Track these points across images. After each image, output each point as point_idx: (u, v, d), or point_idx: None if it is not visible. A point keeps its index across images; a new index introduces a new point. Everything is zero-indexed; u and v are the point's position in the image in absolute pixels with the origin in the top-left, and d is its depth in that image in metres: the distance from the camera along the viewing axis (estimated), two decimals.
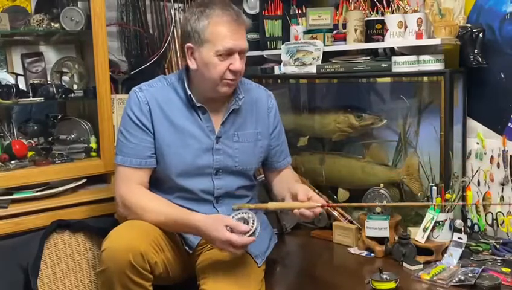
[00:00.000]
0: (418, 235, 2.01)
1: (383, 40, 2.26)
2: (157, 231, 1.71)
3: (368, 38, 2.30)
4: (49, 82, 2.35)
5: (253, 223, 1.63)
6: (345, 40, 2.40)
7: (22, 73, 2.37)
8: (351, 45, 2.36)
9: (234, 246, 1.60)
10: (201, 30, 1.73)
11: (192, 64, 1.78)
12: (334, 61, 2.39)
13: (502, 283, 1.72)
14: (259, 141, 1.93)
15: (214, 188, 1.83)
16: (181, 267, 1.79)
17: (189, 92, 1.80)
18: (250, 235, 1.61)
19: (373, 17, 2.29)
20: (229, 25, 1.72)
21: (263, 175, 2.13)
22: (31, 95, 2.27)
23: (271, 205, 1.74)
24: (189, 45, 1.77)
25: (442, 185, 2.05)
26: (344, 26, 2.42)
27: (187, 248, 1.82)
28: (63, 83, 2.37)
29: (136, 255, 1.56)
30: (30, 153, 2.23)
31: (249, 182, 1.93)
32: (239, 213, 1.67)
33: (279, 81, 2.63)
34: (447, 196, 2.01)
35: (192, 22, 1.75)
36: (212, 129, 1.83)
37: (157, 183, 1.83)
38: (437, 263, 1.92)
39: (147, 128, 1.79)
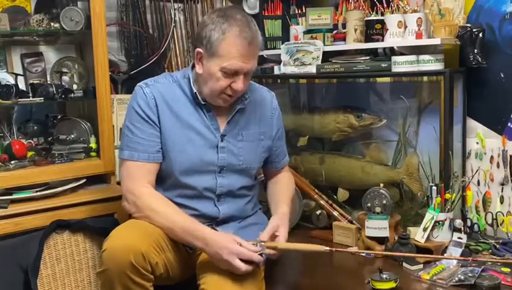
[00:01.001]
0: (418, 235, 2.01)
1: (382, 40, 2.26)
2: (158, 232, 1.71)
3: (368, 38, 2.30)
4: (48, 82, 2.35)
5: (262, 249, 1.67)
6: (344, 40, 2.40)
7: (22, 73, 2.37)
8: (351, 44, 2.36)
9: (241, 258, 1.61)
10: (213, 42, 1.71)
11: (199, 69, 1.78)
12: (333, 61, 2.39)
13: (502, 282, 1.72)
14: (262, 141, 1.94)
15: (217, 186, 1.84)
16: (181, 268, 1.79)
17: (194, 90, 1.81)
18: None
19: (373, 17, 2.29)
20: (242, 48, 1.69)
21: (263, 175, 2.13)
22: (30, 95, 2.27)
23: (281, 245, 1.75)
24: (199, 50, 1.76)
25: (442, 185, 2.05)
26: (344, 26, 2.42)
27: (187, 248, 1.82)
28: (63, 83, 2.37)
29: (137, 256, 1.56)
30: (30, 153, 2.23)
31: (251, 181, 1.94)
32: (249, 241, 1.69)
33: (278, 81, 2.63)
34: (447, 195, 2.01)
35: (208, 30, 1.72)
36: (217, 127, 1.84)
37: (159, 180, 1.83)
38: (437, 262, 1.92)
39: (154, 122, 1.79)
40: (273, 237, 1.75)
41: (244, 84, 1.76)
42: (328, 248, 1.73)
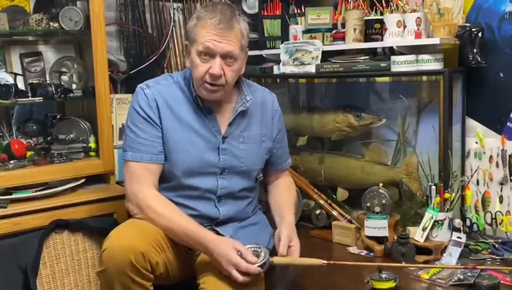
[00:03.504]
0: (417, 235, 2.01)
1: (382, 40, 2.26)
2: (158, 231, 1.71)
3: (367, 38, 2.31)
4: (48, 82, 2.35)
5: (264, 257, 1.64)
6: (344, 39, 2.40)
7: (21, 73, 2.37)
8: (350, 44, 2.36)
9: (238, 270, 1.60)
10: (190, 29, 1.78)
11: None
12: (333, 60, 2.39)
13: (501, 282, 1.72)
14: (264, 143, 1.94)
15: (218, 187, 1.84)
16: (181, 267, 1.79)
17: (194, 93, 1.81)
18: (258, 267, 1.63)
19: (372, 17, 2.29)
20: (213, 27, 1.71)
21: (261, 175, 2.13)
22: (30, 94, 2.26)
23: (276, 260, 1.72)
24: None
25: (441, 184, 2.05)
26: (343, 25, 2.42)
27: (187, 248, 1.82)
28: (62, 83, 2.37)
29: (137, 255, 1.56)
30: (29, 153, 2.23)
31: (252, 183, 1.94)
32: (252, 247, 1.68)
33: (278, 80, 2.63)
34: (446, 195, 2.02)
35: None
36: (218, 129, 1.84)
37: (160, 181, 1.83)
38: (436, 262, 1.92)
39: (156, 123, 1.79)
40: (288, 248, 1.75)
41: (221, 69, 1.73)
42: (325, 262, 1.71)
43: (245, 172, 1.88)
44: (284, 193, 2.03)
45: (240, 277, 1.61)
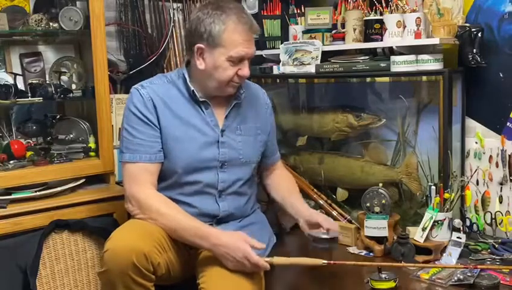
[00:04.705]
0: (417, 235, 2.01)
1: (381, 40, 2.26)
2: (160, 231, 1.71)
3: (367, 38, 2.31)
4: (47, 82, 2.35)
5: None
6: (343, 39, 2.40)
7: (21, 73, 2.37)
8: (350, 44, 2.36)
9: (250, 262, 1.63)
10: (216, 34, 1.73)
11: (200, 64, 1.79)
12: (332, 60, 2.39)
13: (501, 282, 1.72)
14: (259, 136, 1.97)
15: (218, 181, 1.84)
16: (182, 268, 1.80)
17: (192, 88, 1.81)
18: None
19: (372, 17, 2.29)
20: (245, 34, 1.74)
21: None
22: (29, 95, 2.27)
23: (276, 261, 1.74)
24: (200, 45, 1.77)
25: (441, 184, 2.04)
26: (343, 25, 2.42)
27: (187, 248, 1.82)
28: (62, 83, 2.37)
29: (139, 256, 1.57)
30: (29, 153, 2.23)
31: (250, 177, 1.96)
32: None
33: (278, 80, 2.63)
34: (446, 195, 2.02)
35: (206, 24, 1.74)
36: (216, 123, 1.85)
37: (160, 179, 1.83)
38: (436, 262, 1.92)
39: (153, 123, 1.79)
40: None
41: (249, 69, 1.81)
42: (326, 261, 1.73)
43: (244, 164, 1.90)
44: (286, 184, 2.10)
45: (253, 268, 1.65)
